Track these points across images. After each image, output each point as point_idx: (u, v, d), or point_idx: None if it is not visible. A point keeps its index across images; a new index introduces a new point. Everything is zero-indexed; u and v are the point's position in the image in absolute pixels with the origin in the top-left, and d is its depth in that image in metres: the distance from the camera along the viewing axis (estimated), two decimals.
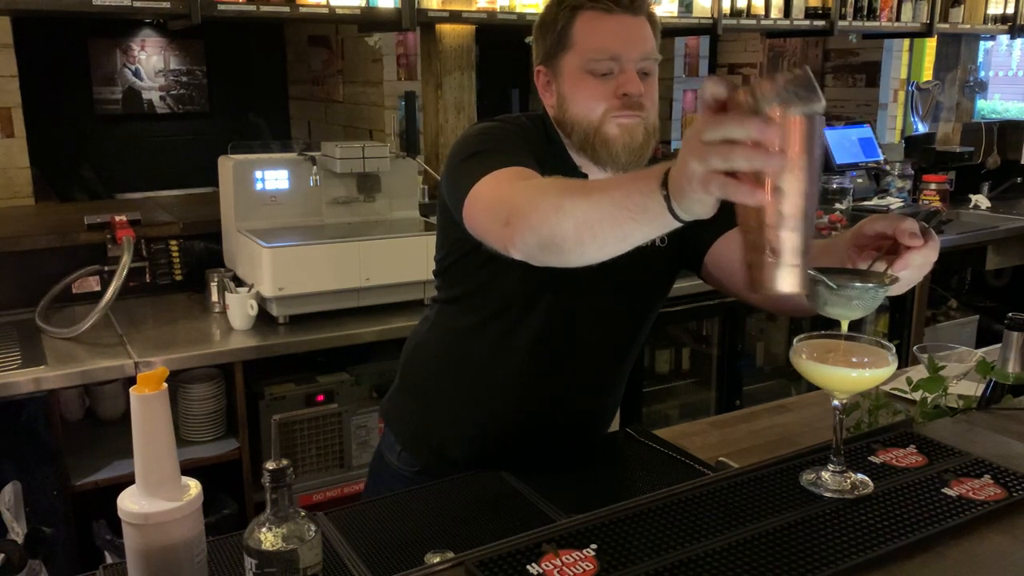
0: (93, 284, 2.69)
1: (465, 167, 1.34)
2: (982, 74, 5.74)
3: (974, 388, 1.61)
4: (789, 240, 0.89)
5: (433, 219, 2.82)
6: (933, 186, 3.93)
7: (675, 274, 1.62)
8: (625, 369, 1.68)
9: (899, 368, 1.25)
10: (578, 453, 1.64)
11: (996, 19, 4.49)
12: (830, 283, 1.06)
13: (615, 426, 2.93)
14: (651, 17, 1.44)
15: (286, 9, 2.71)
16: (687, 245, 1.51)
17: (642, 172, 1.01)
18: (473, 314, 1.56)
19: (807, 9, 3.82)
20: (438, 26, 3.07)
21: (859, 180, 3.94)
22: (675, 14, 3.48)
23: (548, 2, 1.49)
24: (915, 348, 1.88)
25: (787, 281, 0.91)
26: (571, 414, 1.64)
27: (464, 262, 1.52)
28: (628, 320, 1.60)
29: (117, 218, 2.65)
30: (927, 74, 5.95)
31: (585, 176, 1.47)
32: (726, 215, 0.96)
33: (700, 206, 0.91)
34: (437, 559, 1.13)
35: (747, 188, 0.86)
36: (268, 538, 0.95)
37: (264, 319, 2.49)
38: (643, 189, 0.96)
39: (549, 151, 1.46)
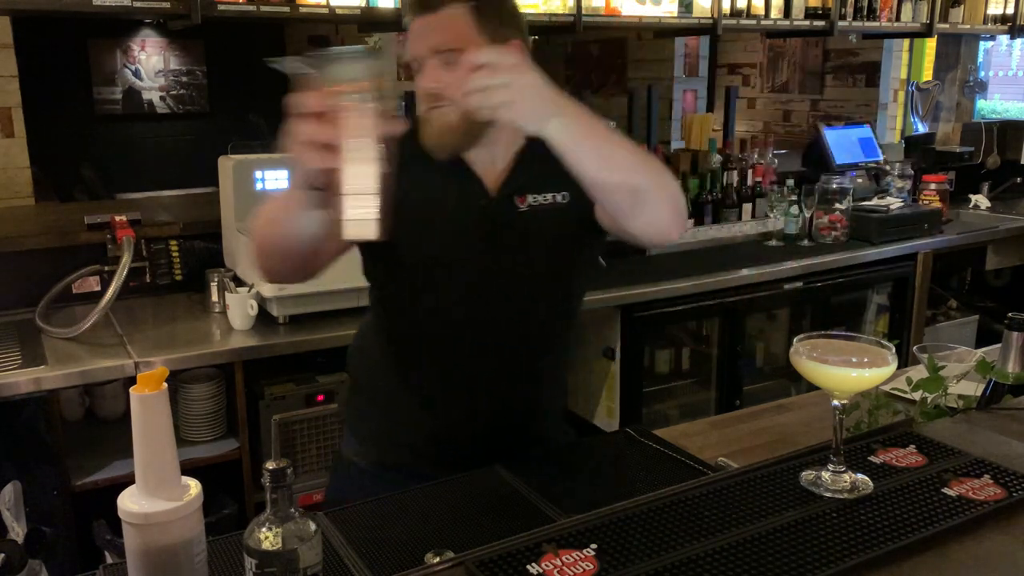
0: (93, 284, 2.69)
1: None
2: (982, 74, 5.74)
3: (974, 388, 1.60)
4: (346, 185, 1.13)
5: None
6: (933, 186, 3.93)
7: (583, 235, 1.57)
8: (550, 348, 1.65)
9: (899, 368, 1.25)
10: (547, 446, 1.68)
11: (996, 19, 4.49)
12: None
13: (615, 426, 2.94)
14: (465, 4, 1.44)
15: (286, 9, 2.71)
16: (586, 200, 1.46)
17: None
18: (387, 306, 1.65)
19: (807, 9, 3.81)
20: None
21: (859, 180, 3.94)
22: (675, 14, 3.48)
23: None
24: (915, 348, 1.88)
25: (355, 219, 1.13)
26: (502, 395, 1.62)
27: (365, 262, 1.62)
28: (533, 289, 1.57)
29: (117, 218, 2.65)
30: (927, 74, 5.95)
31: (458, 163, 1.52)
32: None
33: (315, 176, 1.19)
34: (437, 559, 1.13)
35: (314, 155, 1.16)
36: (268, 538, 0.95)
37: (264, 319, 2.49)
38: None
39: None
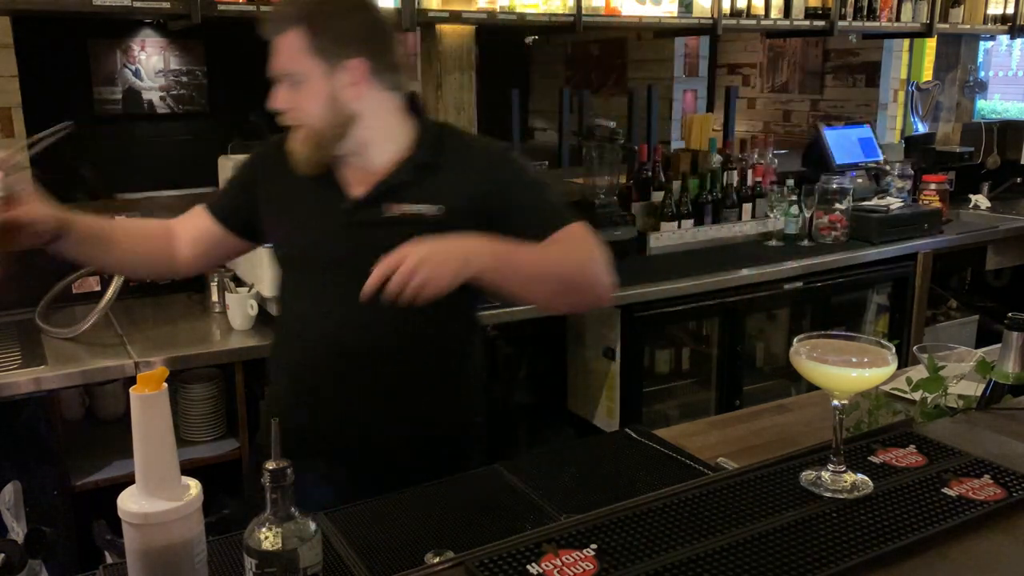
0: (93, 284, 2.69)
1: None
2: (982, 74, 5.74)
3: (974, 388, 1.60)
4: None
5: None
6: (933, 186, 3.93)
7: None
8: (431, 359, 1.64)
9: (899, 368, 1.25)
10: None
11: (996, 19, 4.49)
12: None
13: (615, 426, 2.94)
14: (298, 29, 1.50)
15: None
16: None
17: None
18: (279, 308, 1.76)
19: (807, 9, 3.81)
20: (438, 26, 3.07)
21: (859, 180, 3.94)
22: (675, 14, 3.48)
23: None
24: (915, 348, 1.88)
25: None
26: (382, 404, 1.62)
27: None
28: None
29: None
30: (927, 74, 5.95)
31: (328, 176, 1.61)
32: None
33: None
34: (437, 559, 1.13)
35: None
36: (268, 538, 0.95)
37: (264, 319, 2.49)
38: None
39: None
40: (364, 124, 1.56)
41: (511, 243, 1.46)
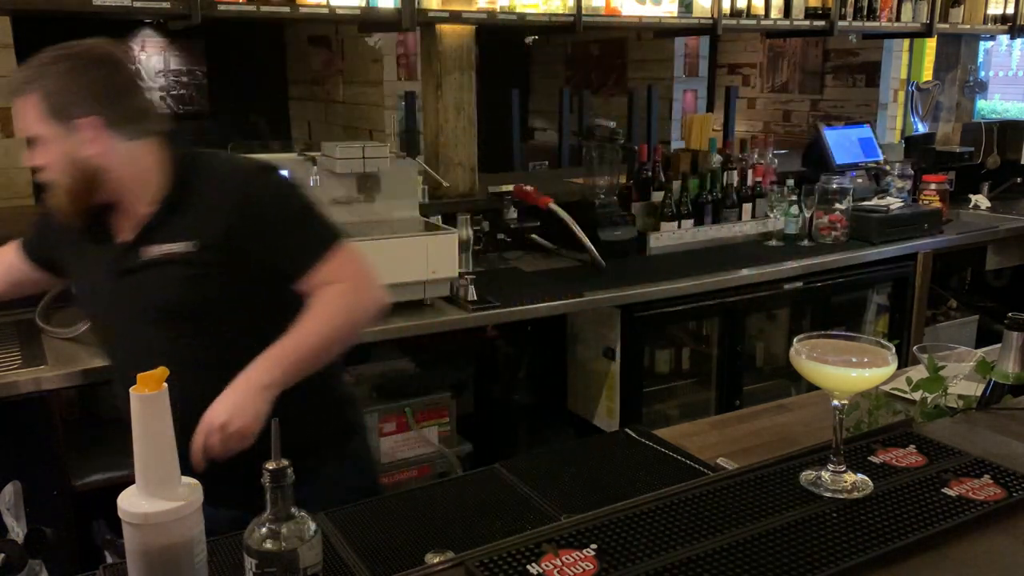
0: None
1: None
2: (982, 74, 5.74)
3: (974, 388, 1.61)
4: None
5: (434, 219, 2.83)
6: (933, 186, 3.93)
7: (217, 277, 1.61)
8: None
9: (899, 368, 1.25)
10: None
11: (996, 19, 4.49)
12: None
13: (615, 426, 2.94)
14: (31, 93, 1.55)
15: (286, 9, 2.71)
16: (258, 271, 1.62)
17: None
18: None
19: (807, 9, 3.81)
20: (438, 26, 3.07)
21: (859, 180, 3.94)
22: (675, 14, 3.48)
23: None
24: (915, 348, 1.88)
25: None
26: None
27: None
28: (181, 331, 1.62)
29: None
30: (927, 74, 5.95)
31: (103, 222, 1.66)
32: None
33: None
34: (437, 559, 1.13)
35: None
36: (268, 538, 0.95)
37: None
38: None
39: None
40: (114, 175, 1.59)
41: (288, 343, 1.54)
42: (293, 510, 0.97)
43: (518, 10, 3.13)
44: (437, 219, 2.84)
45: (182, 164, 1.64)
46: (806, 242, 3.52)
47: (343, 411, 1.83)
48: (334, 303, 1.60)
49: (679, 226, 3.40)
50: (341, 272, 1.62)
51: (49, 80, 1.54)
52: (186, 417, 1.56)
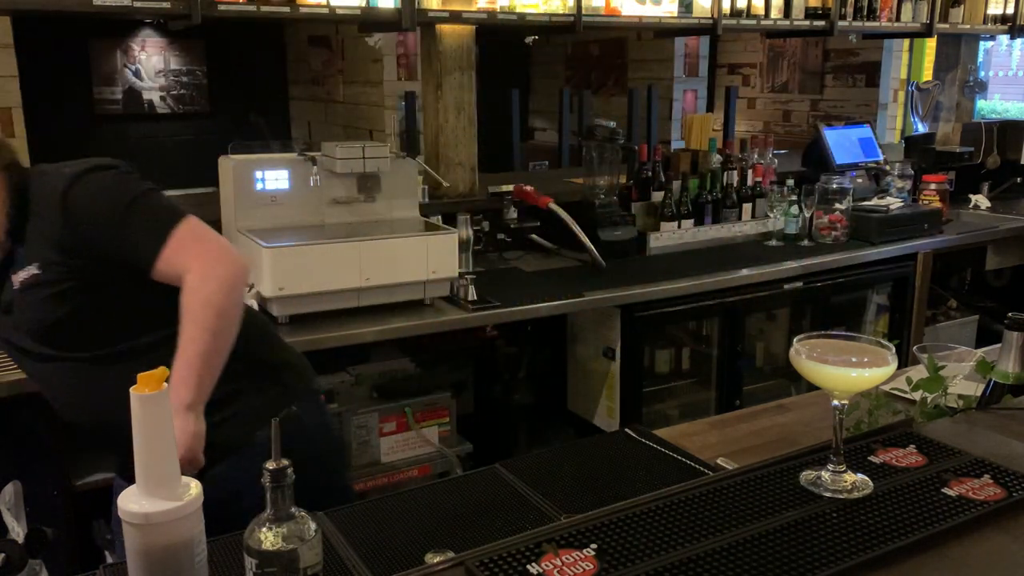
0: None
1: None
2: (982, 74, 5.73)
3: (974, 388, 1.61)
4: None
5: (434, 219, 2.83)
6: (933, 186, 3.93)
7: (69, 291, 1.62)
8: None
9: (899, 368, 1.25)
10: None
11: (996, 19, 4.49)
12: None
13: (615, 426, 2.94)
14: None
15: (286, 9, 2.71)
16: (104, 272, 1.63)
17: None
18: None
19: (807, 9, 3.81)
20: (438, 26, 3.07)
21: (859, 180, 3.94)
22: (675, 14, 3.48)
23: None
24: (915, 348, 1.88)
25: None
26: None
27: None
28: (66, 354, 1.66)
29: None
30: (927, 74, 5.95)
31: None
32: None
33: None
34: (437, 559, 1.13)
35: None
36: (268, 538, 0.95)
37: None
38: None
39: None
40: None
41: (180, 361, 1.54)
42: (293, 510, 0.97)
43: (518, 10, 3.13)
44: (437, 219, 2.84)
45: (18, 191, 1.62)
46: (806, 242, 3.52)
47: (280, 377, 1.81)
48: (197, 299, 1.57)
49: (679, 226, 3.40)
50: (185, 254, 1.59)
51: None
52: (96, 426, 1.69)
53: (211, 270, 1.58)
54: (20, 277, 1.60)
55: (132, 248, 1.60)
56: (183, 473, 1.38)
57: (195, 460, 1.53)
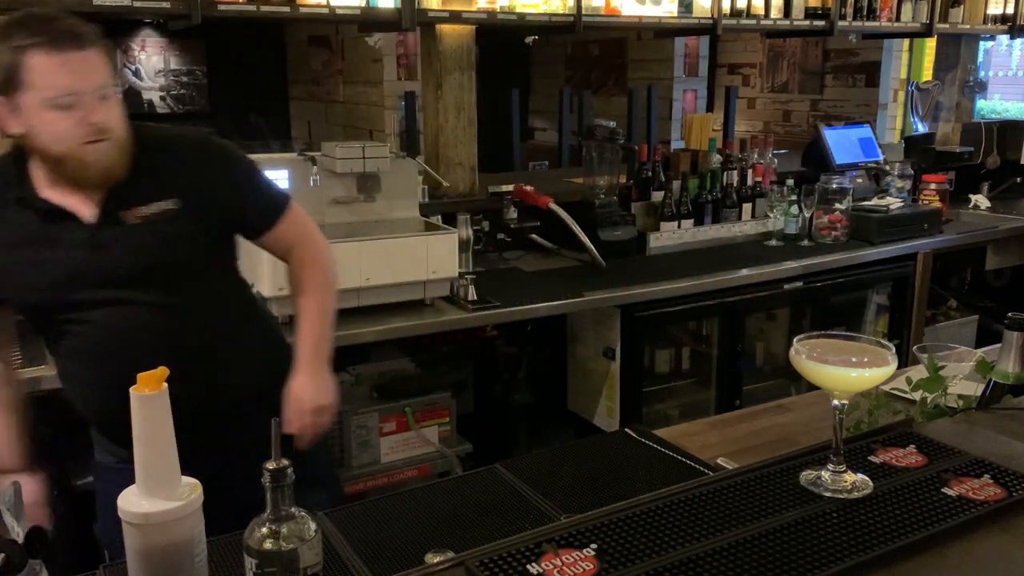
0: None
1: None
2: (982, 74, 5.73)
3: (974, 388, 1.61)
4: None
5: (434, 219, 2.83)
6: (933, 186, 3.93)
7: (201, 235, 1.68)
8: (213, 337, 1.70)
9: (899, 368, 1.25)
10: None
11: (996, 19, 4.49)
12: None
13: (615, 426, 2.94)
14: (102, 46, 1.55)
15: (286, 9, 2.71)
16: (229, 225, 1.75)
17: None
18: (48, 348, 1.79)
19: (807, 9, 3.81)
20: (438, 26, 3.07)
21: (859, 180, 3.94)
22: (675, 14, 3.48)
23: None
24: (915, 348, 1.88)
25: None
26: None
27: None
28: (165, 294, 1.65)
29: None
30: (927, 74, 5.95)
31: (49, 205, 1.58)
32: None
33: None
34: (437, 559, 1.13)
35: None
36: (268, 538, 0.95)
37: None
38: None
39: (5, 193, 1.59)
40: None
41: (315, 321, 1.78)
42: (293, 510, 0.97)
43: (518, 10, 3.13)
44: (437, 219, 2.84)
45: (134, 128, 1.63)
46: (806, 242, 3.52)
47: (289, 357, 1.85)
48: (319, 268, 1.82)
49: (679, 226, 3.40)
50: (301, 228, 1.81)
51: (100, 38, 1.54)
52: (176, 372, 1.61)
53: (324, 246, 1.84)
54: (143, 211, 1.59)
55: (258, 208, 1.76)
56: (323, 426, 1.69)
57: (333, 413, 1.74)
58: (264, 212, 1.77)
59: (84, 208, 1.59)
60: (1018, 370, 1.51)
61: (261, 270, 2.43)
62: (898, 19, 4.09)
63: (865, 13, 3.97)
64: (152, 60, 7.60)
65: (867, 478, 1.20)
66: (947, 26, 4.31)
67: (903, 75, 6.45)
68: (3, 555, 1.08)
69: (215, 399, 1.66)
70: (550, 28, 3.27)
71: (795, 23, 3.80)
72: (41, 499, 1.66)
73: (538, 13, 3.15)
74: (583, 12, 3.17)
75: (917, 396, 1.59)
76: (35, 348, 2.31)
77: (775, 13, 3.73)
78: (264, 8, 2.65)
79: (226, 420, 1.67)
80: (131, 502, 1.00)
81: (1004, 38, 5.14)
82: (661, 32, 4.19)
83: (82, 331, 1.63)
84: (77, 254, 1.59)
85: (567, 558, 1.02)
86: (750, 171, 3.59)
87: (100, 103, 1.52)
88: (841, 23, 3.89)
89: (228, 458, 1.55)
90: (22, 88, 1.48)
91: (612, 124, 3.35)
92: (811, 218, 3.54)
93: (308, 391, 1.71)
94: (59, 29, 1.49)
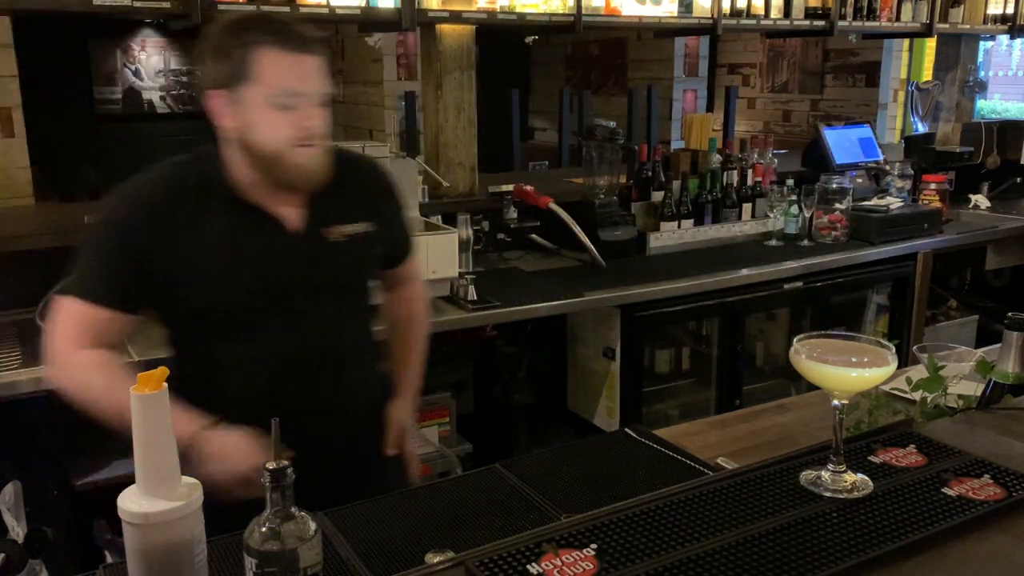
0: None
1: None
2: (982, 74, 5.74)
3: (974, 388, 1.61)
4: None
5: (434, 219, 2.83)
6: (933, 186, 3.93)
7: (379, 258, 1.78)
8: (360, 359, 1.76)
9: (899, 368, 1.25)
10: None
11: (996, 19, 4.49)
12: None
13: (615, 426, 2.94)
14: (327, 57, 1.59)
15: (286, 9, 2.71)
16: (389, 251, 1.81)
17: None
18: (194, 359, 1.66)
19: (807, 9, 3.81)
20: (438, 26, 3.07)
21: (859, 180, 3.94)
22: (675, 14, 3.48)
23: (218, 28, 1.55)
24: (915, 348, 1.88)
25: None
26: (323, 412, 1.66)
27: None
28: (344, 314, 1.70)
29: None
30: (927, 74, 5.95)
31: (255, 209, 1.56)
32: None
33: None
34: (437, 559, 1.13)
35: None
36: (268, 538, 0.95)
37: None
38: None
39: (205, 196, 1.55)
40: None
41: (417, 358, 1.90)
42: (293, 510, 0.97)
43: (518, 10, 3.13)
44: (437, 219, 2.84)
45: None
46: (806, 242, 3.52)
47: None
48: (425, 305, 1.94)
49: (679, 226, 3.40)
50: (418, 265, 1.91)
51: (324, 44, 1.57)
52: (339, 374, 1.68)
53: (423, 281, 1.94)
54: (348, 230, 1.62)
55: (406, 239, 1.84)
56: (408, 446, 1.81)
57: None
58: (406, 244, 1.84)
59: (290, 215, 1.58)
60: (1018, 370, 1.51)
61: None
62: (898, 19, 4.09)
63: (865, 13, 3.97)
64: (152, 60, 7.60)
65: (867, 478, 1.20)
66: (947, 26, 4.31)
67: (903, 75, 6.45)
68: (3, 555, 1.08)
69: (344, 413, 1.68)
70: (550, 28, 3.27)
71: (795, 23, 3.80)
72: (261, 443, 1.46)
73: (538, 13, 3.15)
74: (583, 12, 3.17)
75: (917, 396, 1.59)
76: (35, 348, 2.31)
77: (775, 13, 3.73)
78: (264, 8, 2.65)
79: (351, 430, 1.71)
80: (131, 502, 1.00)
81: (1004, 38, 5.14)
82: (661, 32, 4.19)
83: (254, 339, 1.57)
84: (283, 263, 1.57)
85: (567, 558, 1.02)
86: (750, 171, 3.59)
87: (317, 109, 1.54)
88: (841, 23, 3.89)
89: (342, 468, 1.65)
90: (248, 82, 1.48)
91: (612, 124, 3.35)
92: (811, 218, 3.54)
93: (407, 418, 1.80)
94: (292, 31, 1.51)
